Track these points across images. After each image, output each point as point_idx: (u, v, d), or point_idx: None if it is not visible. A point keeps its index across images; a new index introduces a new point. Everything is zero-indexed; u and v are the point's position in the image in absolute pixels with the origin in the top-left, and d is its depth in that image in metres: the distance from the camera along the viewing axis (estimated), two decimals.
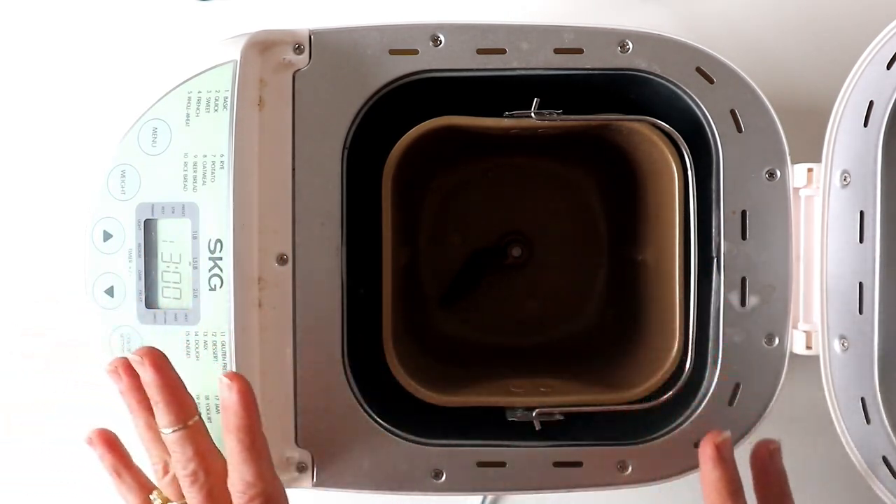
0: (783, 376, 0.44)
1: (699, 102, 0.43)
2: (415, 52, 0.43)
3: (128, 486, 0.42)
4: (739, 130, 0.43)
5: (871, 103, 0.42)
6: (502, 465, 0.44)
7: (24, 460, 0.59)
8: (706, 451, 0.40)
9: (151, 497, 0.41)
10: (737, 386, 0.44)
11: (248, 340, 0.42)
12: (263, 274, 0.43)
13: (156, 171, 0.43)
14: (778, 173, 0.44)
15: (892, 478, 0.42)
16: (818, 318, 0.44)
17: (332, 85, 0.44)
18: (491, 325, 0.57)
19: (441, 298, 0.57)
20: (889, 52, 0.42)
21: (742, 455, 0.44)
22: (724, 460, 0.40)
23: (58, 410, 0.58)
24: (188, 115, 0.43)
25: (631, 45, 0.43)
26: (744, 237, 0.44)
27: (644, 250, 0.51)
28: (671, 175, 0.45)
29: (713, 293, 0.44)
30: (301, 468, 0.44)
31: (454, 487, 0.44)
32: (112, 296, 0.44)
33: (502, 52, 0.43)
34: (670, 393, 0.44)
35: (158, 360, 0.39)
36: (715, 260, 0.44)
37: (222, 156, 0.42)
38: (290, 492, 0.44)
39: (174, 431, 0.39)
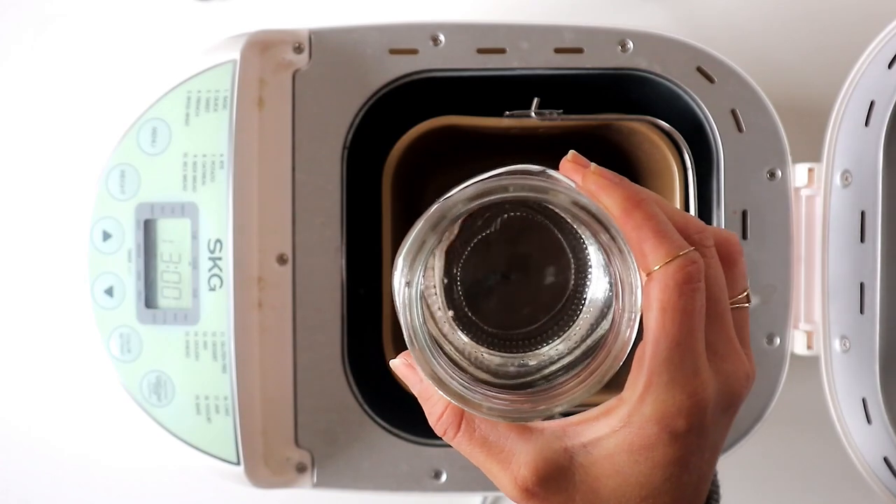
0: (784, 376, 0.44)
1: (700, 102, 0.43)
2: (415, 51, 0.43)
3: None
4: (740, 130, 0.43)
5: (872, 103, 0.42)
6: None
7: (23, 460, 0.59)
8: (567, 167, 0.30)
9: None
10: None
11: (248, 340, 0.42)
12: (263, 274, 0.43)
13: (155, 170, 0.43)
14: (779, 173, 0.43)
15: (893, 478, 0.42)
16: (819, 318, 0.44)
17: (332, 85, 0.44)
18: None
19: None
20: (890, 52, 0.42)
21: (742, 455, 0.44)
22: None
23: (56, 410, 0.58)
24: (188, 115, 0.43)
25: (631, 44, 0.43)
26: (744, 237, 0.44)
27: None
28: (672, 175, 0.45)
29: None
30: (301, 468, 0.44)
31: (454, 487, 0.44)
32: (111, 296, 0.44)
33: (502, 51, 0.43)
34: None
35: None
36: None
37: (222, 156, 0.42)
38: (290, 492, 0.45)
39: None
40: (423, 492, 0.44)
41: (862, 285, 0.43)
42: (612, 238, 0.27)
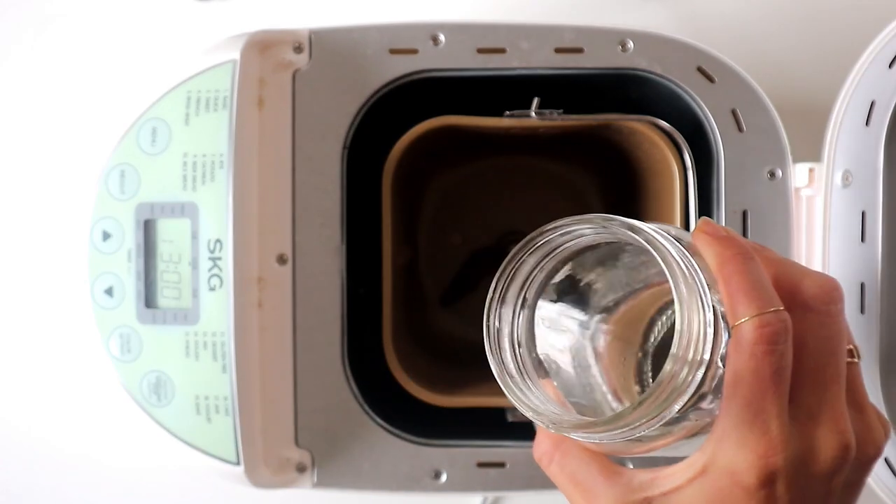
0: None
1: (700, 102, 0.43)
2: (415, 51, 0.43)
3: None
4: (740, 130, 0.43)
5: (872, 103, 0.42)
6: (502, 465, 0.44)
7: (23, 460, 0.59)
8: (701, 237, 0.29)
9: None
10: None
11: (248, 340, 0.42)
12: (263, 274, 0.43)
13: (155, 170, 0.43)
14: (779, 173, 0.43)
15: (893, 478, 0.42)
16: None
17: (332, 85, 0.44)
18: None
19: (441, 298, 0.56)
20: (891, 52, 0.42)
21: None
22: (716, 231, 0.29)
23: (56, 410, 0.58)
24: (188, 115, 0.43)
25: (632, 44, 0.43)
26: (745, 237, 0.43)
27: None
28: (672, 175, 0.45)
29: None
30: (301, 468, 0.44)
31: (454, 487, 0.44)
32: (111, 296, 0.44)
33: (502, 51, 0.43)
34: None
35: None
36: None
37: (222, 155, 0.42)
38: (290, 492, 0.45)
39: None
40: (423, 492, 0.44)
41: (862, 285, 0.43)
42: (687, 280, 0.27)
